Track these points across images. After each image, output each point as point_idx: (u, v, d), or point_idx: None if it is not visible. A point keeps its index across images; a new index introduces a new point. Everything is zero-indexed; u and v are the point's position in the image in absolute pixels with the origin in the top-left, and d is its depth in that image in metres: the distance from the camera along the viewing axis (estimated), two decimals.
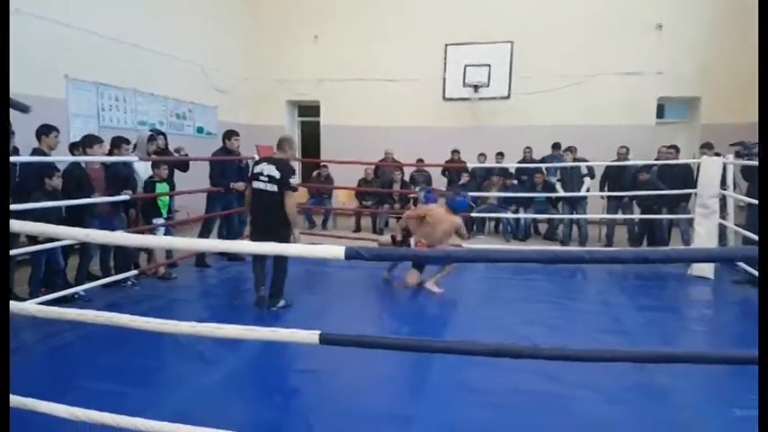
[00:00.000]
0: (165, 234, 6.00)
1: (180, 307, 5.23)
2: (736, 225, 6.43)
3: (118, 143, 5.79)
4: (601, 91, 10.96)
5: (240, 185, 6.69)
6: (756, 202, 5.64)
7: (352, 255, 1.84)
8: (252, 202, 4.94)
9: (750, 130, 8.69)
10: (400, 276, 5.70)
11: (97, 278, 5.34)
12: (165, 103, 9.66)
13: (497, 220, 9.78)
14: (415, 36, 11.60)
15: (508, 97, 11.29)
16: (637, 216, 8.00)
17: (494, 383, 3.49)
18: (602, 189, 8.53)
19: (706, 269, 6.37)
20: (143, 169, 6.09)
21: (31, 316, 2.26)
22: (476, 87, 11.21)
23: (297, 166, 12.73)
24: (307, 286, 5.90)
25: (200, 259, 6.76)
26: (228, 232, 7.03)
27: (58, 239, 4.41)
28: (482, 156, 10.04)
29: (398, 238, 5.61)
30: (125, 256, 5.82)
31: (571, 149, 8.90)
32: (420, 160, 10.03)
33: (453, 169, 10.04)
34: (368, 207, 10.15)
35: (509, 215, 9.06)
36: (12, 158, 4.36)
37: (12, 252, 4.12)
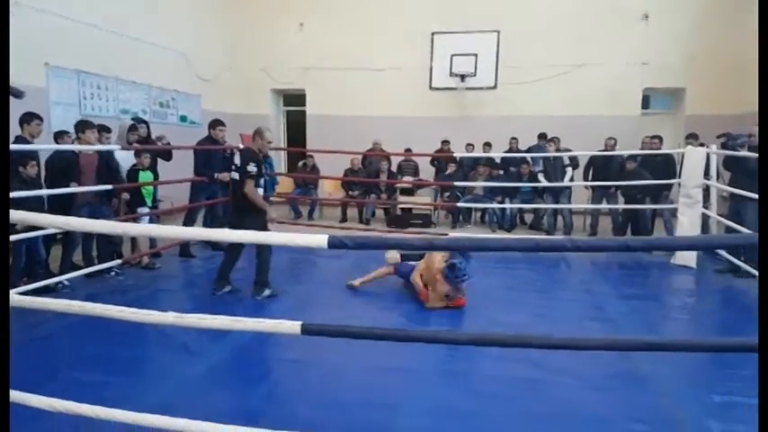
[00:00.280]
0: (149, 223, 5.94)
1: (164, 297, 5.19)
2: (718, 215, 6.49)
3: (99, 131, 5.71)
4: (587, 81, 11.00)
5: (225, 176, 6.63)
6: (739, 192, 5.72)
7: (335, 243, 1.82)
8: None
9: (733, 121, 8.81)
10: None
11: (79, 268, 5.27)
12: (147, 91, 9.54)
13: (483, 211, 9.80)
14: (402, 24, 11.52)
15: (495, 87, 11.30)
16: (621, 206, 8.05)
17: (478, 371, 3.51)
18: (586, 179, 8.57)
19: (688, 258, 6.45)
20: (124, 158, 6.01)
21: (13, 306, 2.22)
22: (462, 77, 11.20)
23: (282, 155, 12.74)
24: (292, 276, 5.89)
25: (185, 249, 6.70)
26: (213, 222, 6.97)
27: (39, 228, 4.34)
28: (470, 146, 10.05)
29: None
30: (107, 245, 5.75)
31: (554, 140, 8.94)
32: (408, 150, 10.01)
33: (441, 159, 10.04)
34: (354, 197, 10.12)
35: (495, 205, 9.08)
36: None
37: None
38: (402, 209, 9.89)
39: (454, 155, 9.64)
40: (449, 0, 11.39)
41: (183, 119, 10.59)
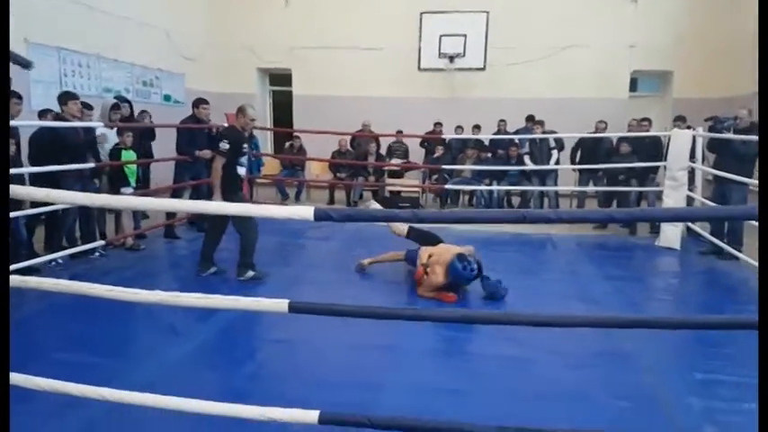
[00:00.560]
0: None
1: (148, 278, 5.15)
2: (703, 198, 6.54)
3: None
4: (575, 63, 10.98)
5: (206, 153, 6.56)
6: (724, 174, 5.76)
7: (321, 216, 1.80)
8: None
9: (720, 104, 8.85)
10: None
11: (63, 249, 5.21)
12: (130, 69, 9.37)
13: (471, 194, 9.81)
14: (390, 3, 11.38)
15: (484, 68, 11.23)
16: (606, 188, 8.09)
17: (464, 350, 3.55)
18: (573, 162, 8.60)
19: (672, 240, 6.51)
20: (111, 138, 5.93)
21: None
22: (451, 58, 11.11)
23: (268, 136, 12.62)
24: (280, 258, 5.86)
25: (170, 230, 6.64)
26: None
27: (18, 208, 4.28)
28: (459, 128, 10.01)
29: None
30: (89, 225, 5.68)
31: (540, 123, 8.94)
32: (400, 132, 9.97)
33: (431, 140, 10.00)
34: (342, 179, 10.07)
35: (482, 187, 9.09)
36: None
37: None
38: (390, 191, 9.86)
39: (442, 137, 9.62)
40: None
41: (167, 98, 10.44)
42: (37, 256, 4.95)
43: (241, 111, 5.00)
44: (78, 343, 3.50)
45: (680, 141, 6.55)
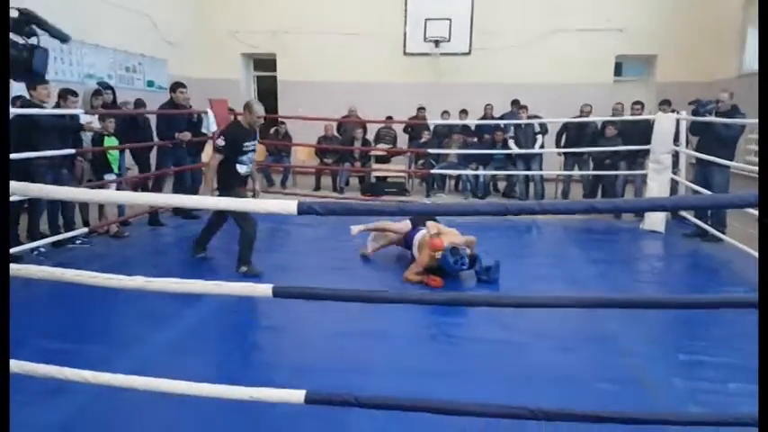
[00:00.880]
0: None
1: (133, 266, 5.08)
2: (687, 181, 6.60)
3: (64, 95, 5.49)
4: (561, 48, 10.98)
5: (186, 135, 6.51)
6: (706, 157, 5.81)
7: (304, 210, 1.79)
8: None
9: (703, 87, 8.90)
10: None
11: (43, 237, 5.14)
12: (113, 55, 9.22)
13: (457, 179, 9.81)
14: None
15: (469, 53, 11.17)
16: (592, 172, 8.12)
17: (451, 334, 3.56)
18: (559, 146, 8.61)
19: (657, 223, 6.57)
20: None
21: None
22: (437, 42, 11.04)
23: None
24: (266, 244, 5.82)
25: (154, 217, 6.58)
26: (181, 191, 6.82)
27: None
28: (446, 113, 9.98)
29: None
30: (71, 212, 5.60)
31: (524, 108, 8.93)
32: (389, 117, 9.91)
33: (415, 126, 9.97)
34: (328, 165, 10.02)
35: (468, 172, 9.09)
36: None
37: None
38: (377, 177, 9.83)
39: (428, 122, 9.59)
40: None
41: (150, 84, 10.30)
42: (20, 244, 4.88)
43: (247, 107, 4.76)
44: (63, 331, 3.46)
45: (664, 125, 6.59)
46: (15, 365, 2.00)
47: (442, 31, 10.97)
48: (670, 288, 4.77)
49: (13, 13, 1.57)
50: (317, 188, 9.75)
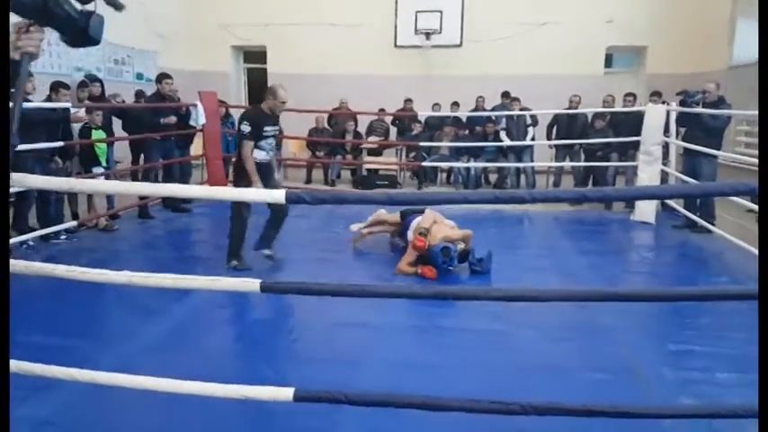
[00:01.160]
0: None
1: (123, 259, 5.05)
2: (677, 172, 6.61)
3: (56, 87, 5.40)
4: (551, 40, 10.96)
5: (172, 119, 6.45)
6: (694, 147, 5.83)
7: (293, 199, 1.77)
8: None
9: (693, 79, 8.91)
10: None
11: (31, 230, 5.08)
12: (102, 48, 9.10)
13: (449, 171, 9.80)
14: None
15: (460, 45, 11.14)
16: (582, 164, 8.14)
17: (440, 326, 3.55)
18: (549, 138, 8.62)
19: (647, 214, 6.58)
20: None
21: None
22: (428, 35, 11.00)
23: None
24: (257, 236, 5.79)
25: (144, 210, 6.52)
26: (169, 183, 6.78)
27: None
28: (436, 105, 9.95)
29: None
30: (59, 206, 5.54)
31: (516, 99, 8.92)
32: (382, 110, 9.87)
33: (404, 118, 9.93)
34: (320, 158, 9.97)
35: (459, 164, 9.08)
36: None
37: None
38: (368, 170, 9.80)
39: (417, 114, 9.55)
40: None
41: (140, 77, 10.19)
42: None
43: (271, 92, 4.55)
44: (49, 326, 3.42)
45: (654, 116, 6.60)
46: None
47: (432, 23, 10.93)
48: (660, 279, 4.79)
49: None
50: (308, 181, 9.72)
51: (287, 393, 1.85)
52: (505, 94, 9.38)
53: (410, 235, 4.76)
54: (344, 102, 10.15)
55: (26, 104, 4.96)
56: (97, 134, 5.73)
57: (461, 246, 4.56)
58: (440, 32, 10.96)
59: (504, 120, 8.75)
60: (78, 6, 1.62)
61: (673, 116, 6.61)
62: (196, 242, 5.92)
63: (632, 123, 7.44)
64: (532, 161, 8.73)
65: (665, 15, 10.68)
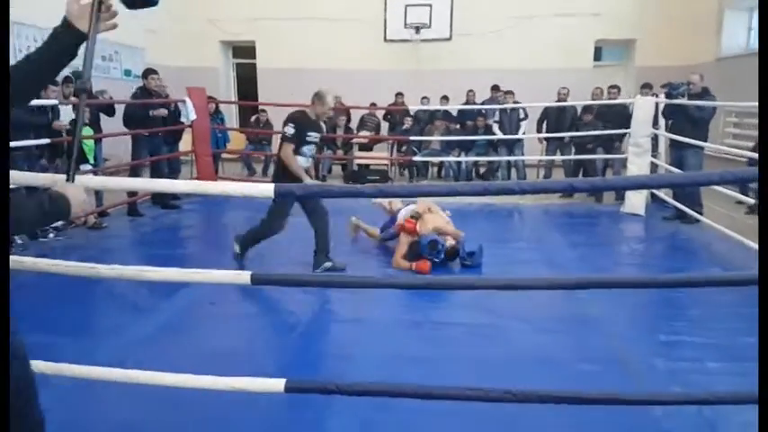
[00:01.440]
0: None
1: (112, 257, 4.96)
2: (667, 164, 6.65)
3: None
4: (541, 33, 10.96)
5: (162, 111, 6.43)
6: (681, 139, 5.86)
7: (282, 192, 1.77)
8: None
9: (682, 71, 8.94)
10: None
11: None
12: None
13: (440, 166, 9.80)
14: None
15: (450, 39, 11.13)
16: (572, 157, 8.16)
17: (432, 320, 3.55)
18: (539, 131, 8.63)
19: (638, 206, 6.62)
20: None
21: None
22: (417, 29, 10.98)
23: (233, 110, 12.32)
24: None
25: (133, 208, 6.47)
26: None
27: None
28: (425, 99, 9.93)
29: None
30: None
31: (510, 93, 8.93)
32: (373, 104, 9.84)
33: (395, 113, 9.91)
34: None
35: (450, 158, 9.08)
36: None
37: None
38: (359, 164, 9.76)
39: (408, 108, 9.54)
40: None
41: (128, 73, 10.11)
42: None
43: (319, 97, 4.33)
44: (40, 323, 3.39)
45: (643, 108, 6.63)
46: None
47: (422, 17, 10.91)
48: (650, 270, 4.81)
49: None
50: None
51: (278, 385, 1.85)
52: (495, 88, 9.38)
53: (399, 217, 4.77)
54: (338, 97, 10.06)
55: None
56: (84, 131, 5.68)
57: (450, 242, 4.56)
58: (429, 26, 10.95)
59: (497, 113, 8.76)
60: None
61: (661, 108, 6.64)
62: (186, 238, 5.90)
63: (617, 116, 7.47)
64: (524, 155, 8.75)
65: (654, 8, 10.71)
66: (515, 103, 8.76)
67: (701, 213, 5.79)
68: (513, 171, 8.89)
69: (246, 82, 12.66)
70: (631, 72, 11.17)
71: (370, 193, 2.02)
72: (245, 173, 9.71)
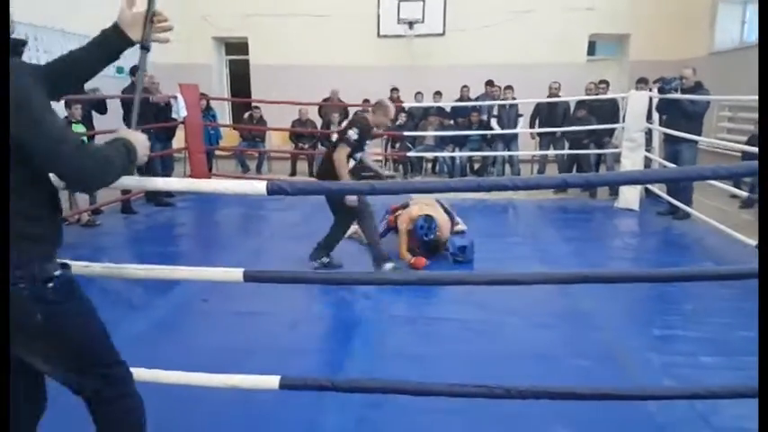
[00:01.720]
0: None
1: (106, 255, 4.96)
2: (661, 158, 6.66)
3: None
4: (534, 28, 10.95)
5: (163, 97, 6.45)
6: (675, 133, 5.87)
7: (274, 190, 1.75)
8: None
9: (676, 66, 8.95)
10: None
11: None
12: (80, 41, 8.89)
13: (434, 161, 9.79)
14: None
15: (443, 34, 11.09)
16: (566, 152, 8.17)
17: (427, 316, 3.55)
18: (532, 127, 8.63)
19: (632, 202, 6.63)
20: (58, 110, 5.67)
21: None
22: (410, 24, 10.94)
23: (226, 107, 12.27)
24: (241, 229, 5.77)
25: (126, 205, 6.45)
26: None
27: None
28: (419, 94, 9.91)
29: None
30: None
31: (510, 88, 8.92)
32: (366, 101, 9.81)
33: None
34: (304, 150, 9.91)
35: (445, 154, 9.08)
36: None
37: None
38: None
39: (403, 104, 9.52)
40: None
41: (120, 70, 10.00)
42: None
43: (382, 108, 4.33)
44: None
45: (637, 103, 6.63)
46: None
47: (415, 12, 10.86)
48: (643, 265, 4.83)
49: None
50: (293, 173, 9.67)
51: (273, 381, 1.85)
52: (489, 83, 9.37)
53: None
54: (335, 92, 10.02)
55: None
56: (77, 128, 5.65)
57: (438, 232, 4.55)
58: (422, 22, 10.90)
59: (495, 108, 8.76)
60: None
61: (655, 103, 6.65)
62: (179, 236, 5.87)
63: (607, 111, 7.48)
64: (517, 150, 8.76)
65: (648, 2, 10.70)
66: (514, 99, 8.74)
67: (689, 206, 5.81)
68: (507, 167, 8.90)
69: (239, 79, 12.61)
70: (625, 66, 11.17)
71: (362, 189, 2.01)
72: (239, 170, 9.68)
